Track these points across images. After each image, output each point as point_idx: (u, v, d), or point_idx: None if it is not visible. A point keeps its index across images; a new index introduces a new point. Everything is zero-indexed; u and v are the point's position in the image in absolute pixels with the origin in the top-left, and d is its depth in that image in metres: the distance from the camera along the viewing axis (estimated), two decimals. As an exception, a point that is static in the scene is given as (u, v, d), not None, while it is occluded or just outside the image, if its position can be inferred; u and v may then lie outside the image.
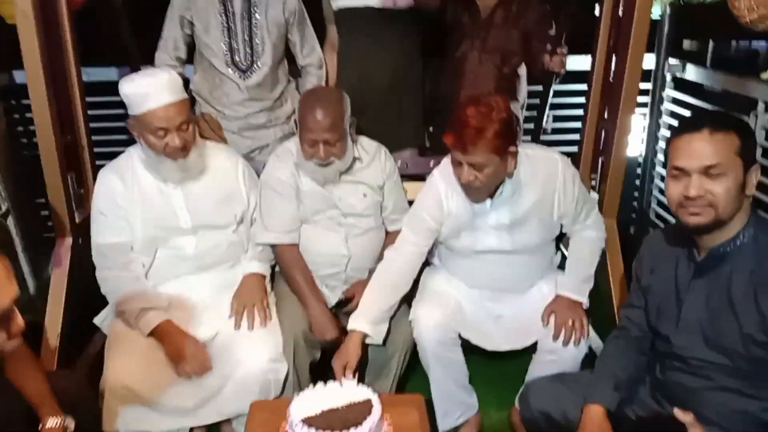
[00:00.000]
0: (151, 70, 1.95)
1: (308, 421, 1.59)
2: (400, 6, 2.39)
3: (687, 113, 2.95)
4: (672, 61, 2.90)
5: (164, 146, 1.87)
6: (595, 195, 2.35)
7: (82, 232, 2.14)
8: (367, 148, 2.19)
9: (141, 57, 2.91)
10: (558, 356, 1.90)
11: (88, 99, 2.57)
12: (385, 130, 2.42)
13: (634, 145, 3.23)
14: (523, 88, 2.72)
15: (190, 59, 2.54)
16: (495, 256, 1.99)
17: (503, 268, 2.01)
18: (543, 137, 3.00)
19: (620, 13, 2.11)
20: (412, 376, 2.25)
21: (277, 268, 2.21)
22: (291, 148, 2.13)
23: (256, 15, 2.40)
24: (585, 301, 1.98)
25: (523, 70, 2.66)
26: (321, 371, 1.99)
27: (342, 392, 1.71)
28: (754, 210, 1.39)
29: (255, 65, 2.44)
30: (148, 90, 1.82)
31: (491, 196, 1.88)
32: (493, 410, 2.26)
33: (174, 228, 2.00)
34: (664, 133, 3.17)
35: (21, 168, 3.15)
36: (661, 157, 3.24)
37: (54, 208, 2.07)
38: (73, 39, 2.23)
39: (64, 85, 2.22)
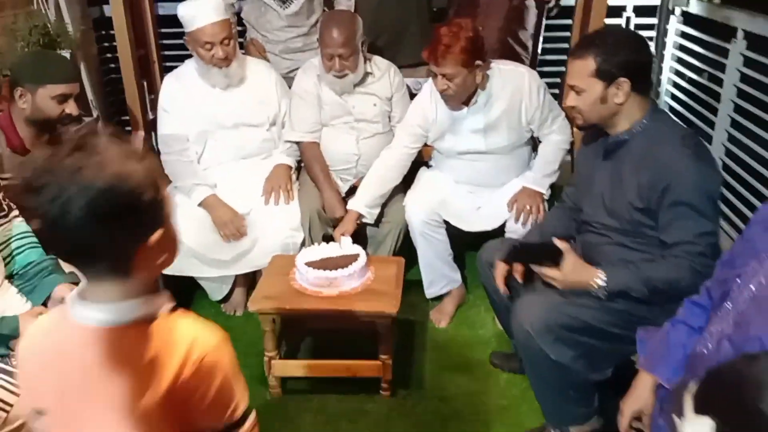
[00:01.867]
0: None
1: (308, 264, 2.11)
2: None
3: (696, 47, 3.17)
4: (676, -6, 3.11)
5: (211, 57, 2.39)
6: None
7: (152, 128, 2.72)
8: (379, 65, 2.63)
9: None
10: (518, 235, 2.31)
11: (165, 30, 3.13)
12: (400, 52, 2.84)
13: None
14: (531, 17, 3.03)
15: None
16: (473, 156, 2.40)
17: (481, 166, 2.43)
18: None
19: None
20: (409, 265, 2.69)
21: (302, 164, 2.72)
22: (315, 63, 2.59)
23: (295, -48, 2.84)
24: (544, 191, 2.38)
25: (531, 2, 2.97)
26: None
27: (339, 249, 2.22)
28: (653, 107, 1.73)
29: (291, -4, 2.89)
30: (197, 11, 2.34)
31: (467, 104, 2.29)
32: (477, 289, 2.71)
33: (219, 124, 2.53)
34: (672, 65, 3.40)
35: (108, 88, 3.78)
36: (668, 87, 3.47)
37: (130, 107, 2.65)
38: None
39: (139, 13, 2.77)
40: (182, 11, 2.37)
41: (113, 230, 0.84)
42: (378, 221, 2.54)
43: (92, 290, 0.90)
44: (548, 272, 1.68)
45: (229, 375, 0.93)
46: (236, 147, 2.57)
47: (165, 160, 2.54)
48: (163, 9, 3.63)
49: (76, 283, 1.74)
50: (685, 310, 1.50)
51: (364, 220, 2.47)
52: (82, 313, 0.89)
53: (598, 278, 1.64)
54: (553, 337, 1.65)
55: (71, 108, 2.02)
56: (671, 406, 0.84)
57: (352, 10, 2.98)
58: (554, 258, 1.67)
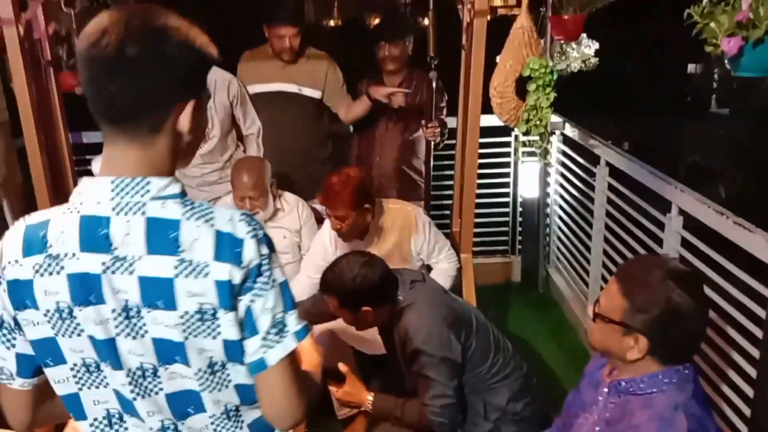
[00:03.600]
0: None
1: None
2: (305, 93, 3.12)
3: (570, 164, 3.58)
4: (554, 118, 3.51)
5: None
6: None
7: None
8: (288, 200, 2.88)
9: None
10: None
11: (89, 156, 3.29)
12: (303, 181, 3.13)
13: (533, 189, 3.88)
14: (422, 146, 3.36)
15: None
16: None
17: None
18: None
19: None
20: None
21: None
22: (228, 201, 2.82)
23: (207, 98, 3.11)
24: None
25: (420, 133, 3.30)
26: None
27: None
28: (404, 287, 2.06)
29: (207, 137, 3.13)
30: None
31: (362, 238, 2.54)
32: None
33: None
34: (557, 178, 3.80)
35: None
36: (556, 197, 3.85)
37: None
38: (64, 117, 2.94)
39: (58, 155, 2.94)
40: (96, 167, 2.57)
41: None
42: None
43: None
44: (331, 388, 2.09)
45: None
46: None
47: None
48: (87, 138, 3.83)
49: None
50: None
51: None
52: None
53: (368, 401, 2.04)
54: None
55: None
56: None
57: (262, 148, 3.26)
58: (339, 378, 2.07)
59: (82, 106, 3.07)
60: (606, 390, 1.41)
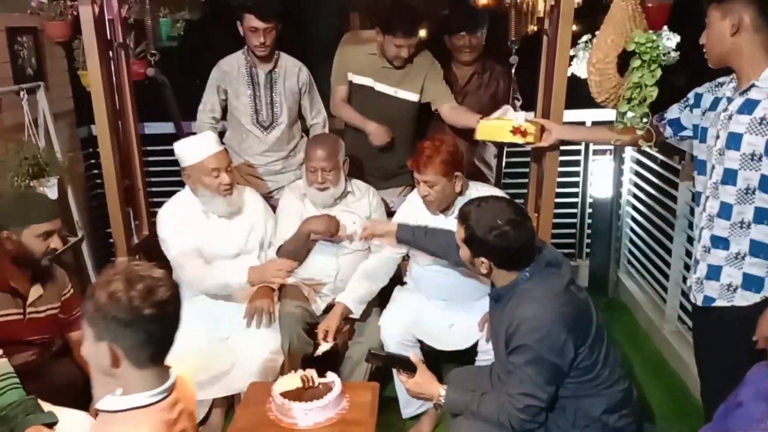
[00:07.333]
0: (198, 134, 2.68)
1: (284, 394, 2.15)
2: (400, 96, 3.00)
3: (645, 160, 3.40)
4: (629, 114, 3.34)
5: (218, 185, 2.50)
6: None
7: (135, 253, 2.80)
8: (359, 186, 2.83)
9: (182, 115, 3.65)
10: (489, 355, 2.38)
11: (150, 148, 3.25)
12: (374, 174, 3.05)
13: (605, 188, 3.68)
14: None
15: (224, 118, 3.21)
16: (450, 269, 2.49)
17: (456, 280, 2.51)
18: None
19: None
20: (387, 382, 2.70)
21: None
22: (300, 184, 2.80)
23: (276, 84, 3.04)
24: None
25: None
26: (311, 363, 2.53)
27: (314, 377, 2.26)
28: (522, 278, 1.85)
29: (275, 123, 3.07)
30: (201, 144, 2.52)
31: (445, 213, 2.45)
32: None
33: (219, 254, 2.60)
34: (630, 177, 3.62)
35: (94, 203, 3.88)
36: (628, 197, 3.66)
37: (114, 235, 2.74)
38: (133, 103, 2.92)
39: (125, 139, 2.91)
40: (184, 146, 2.53)
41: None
42: (353, 340, 2.61)
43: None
44: (402, 378, 1.99)
45: None
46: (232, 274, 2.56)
47: (185, 270, 2.50)
48: (150, 129, 3.81)
49: (54, 423, 1.79)
50: None
51: (351, 315, 2.59)
52: None
53: (440, 396, 1.91)
54: None
55: (55, 243, 2.12)
56: None
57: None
58: (410, 368, 1.98)
59: (146, 96, 3.07)
60: None
